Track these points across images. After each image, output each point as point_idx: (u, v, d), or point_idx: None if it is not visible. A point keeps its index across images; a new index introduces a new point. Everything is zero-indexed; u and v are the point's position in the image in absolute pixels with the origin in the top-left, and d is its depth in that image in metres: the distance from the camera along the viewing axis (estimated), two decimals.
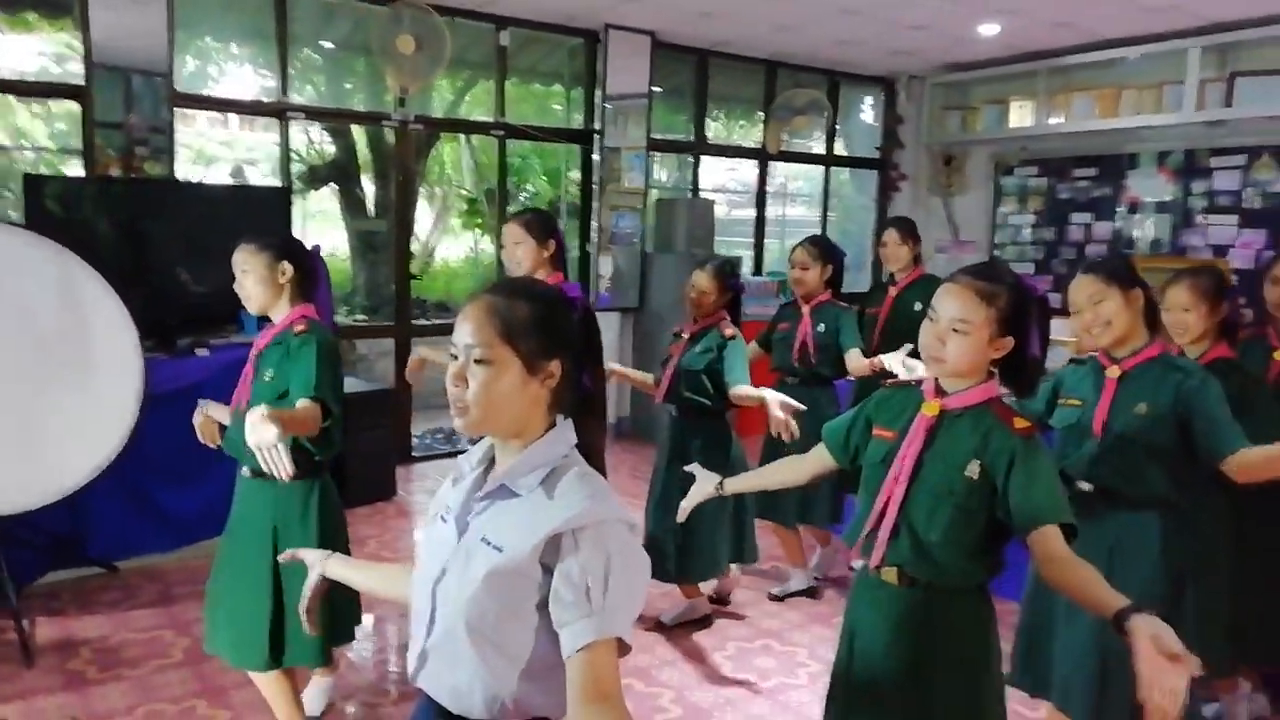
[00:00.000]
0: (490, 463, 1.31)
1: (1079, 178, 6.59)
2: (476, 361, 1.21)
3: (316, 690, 2.87)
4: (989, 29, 5.73)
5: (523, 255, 2.96)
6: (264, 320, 2.51)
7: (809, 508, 3.67)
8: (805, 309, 3.72)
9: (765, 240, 7.25)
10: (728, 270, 3.44)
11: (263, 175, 8.73)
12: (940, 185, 7.23)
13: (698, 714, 2.89)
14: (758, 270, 7.09)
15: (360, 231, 7.68)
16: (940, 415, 1.71)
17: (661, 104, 6.36)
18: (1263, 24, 5.22)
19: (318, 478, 2.45)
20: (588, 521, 1.16)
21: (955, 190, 7.20)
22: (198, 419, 2.63)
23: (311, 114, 5.65)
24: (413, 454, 5.78)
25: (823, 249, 3.74)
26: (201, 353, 4.11)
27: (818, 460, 1.96)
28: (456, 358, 1.23)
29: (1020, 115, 6.56)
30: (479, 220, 9.30)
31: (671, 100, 6.79)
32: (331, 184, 7.77)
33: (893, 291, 4.04)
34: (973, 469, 1.64)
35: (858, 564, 3.81)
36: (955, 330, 1.65)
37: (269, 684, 2.55)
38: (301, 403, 2.24)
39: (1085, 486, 2.24)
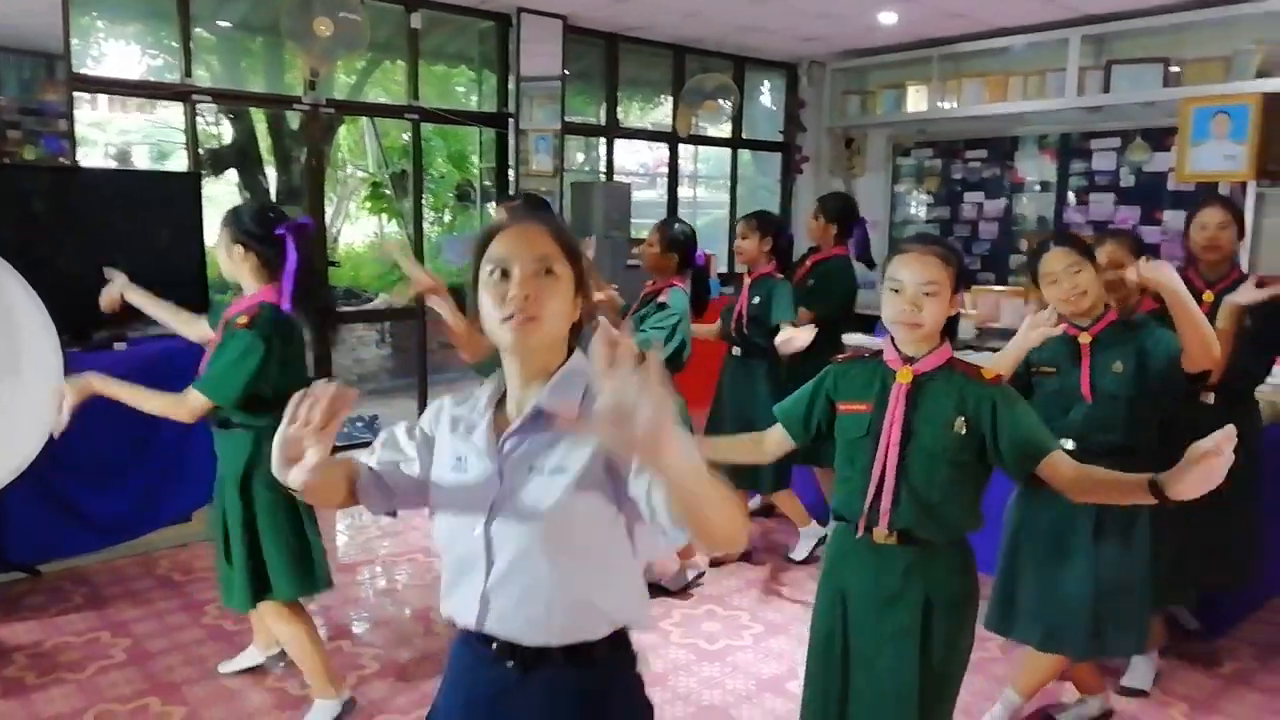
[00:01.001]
0: (499, 405, 1.32)
1: (971, 159, 6.96)
2: (547, 272, 1.23)
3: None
4: (887, 17, 5.98)
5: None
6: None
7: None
8: (746, 280, 3.89)
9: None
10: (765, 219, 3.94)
11: (148, 159, 8.38)
12: (842, 167, 7.51)
13: (653, 679, 3.02)
14: None
15: None
16: (914, 381, 1.83)
17: (572, 87, 6.39)
18: (1135, 16, 5.63)
19: (251, 434, 2.49)
20: None
21: (856, 172, 7.50)
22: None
23: (218, 96, 5.47)
24: (336, 443, 5.68)
25: (760, 221, 3.91)
26: (119, 346, 3.99)
27: (777, 440, 2.04)
28: (506, 274, 1.22)
29: (916, 99, 6.86)
30: (384, 204, 9.15)
31: (580, 83, 6.84)
32: (232, 169, 7.52)
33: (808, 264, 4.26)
34: (959, 424, 1.78)
35: (815, 532, 4.02)
36: (927, 294, 1.78)
37: (276, 623, 2.67)
38: (188, 395, 2.44)
39: (1069, 445, 2.35)
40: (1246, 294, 2.63)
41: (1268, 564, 3.24)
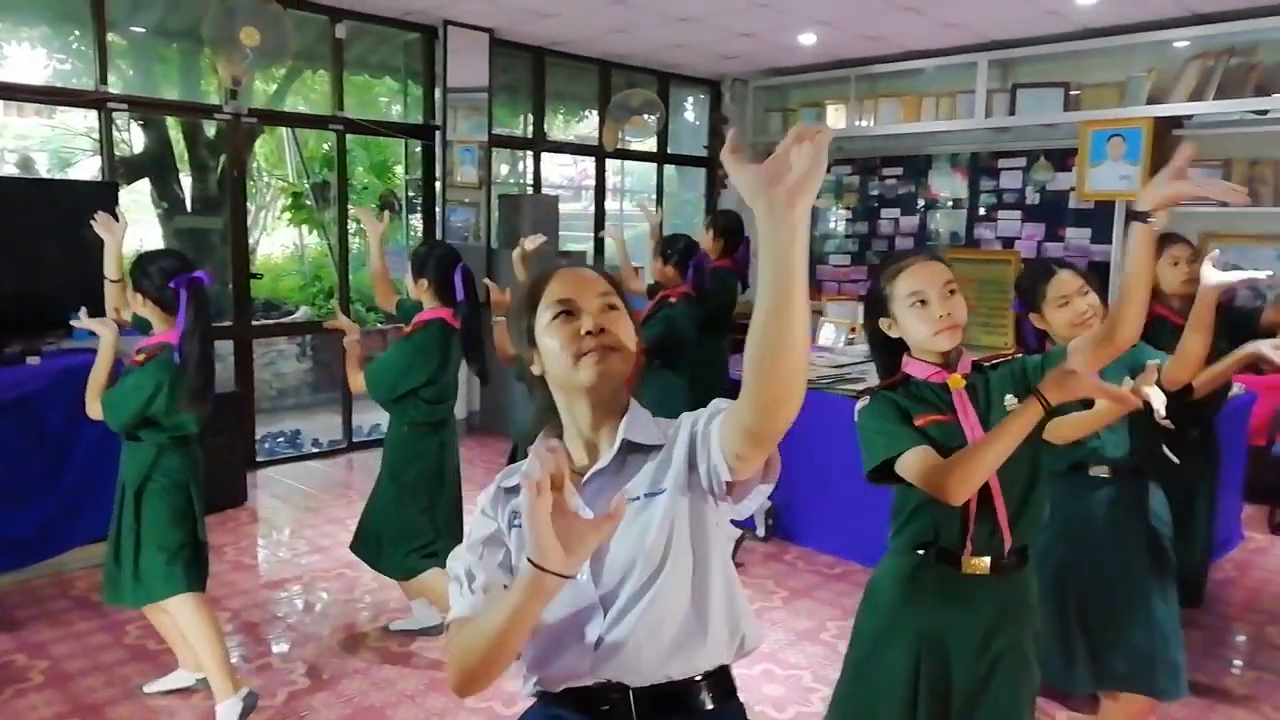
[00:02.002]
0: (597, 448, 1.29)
1: (887, 176, 7.23)
2: (610, 307, 1.24)
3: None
4: (807, 38, 6.18)
5: (407, 284, 3.30)
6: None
7: None
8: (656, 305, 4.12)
9: (602, 235, 7.46)
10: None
11: (49, 166, 8.07)
12: None
13: None
14: (601, 263, 7.29)
15: (181, 229, 7.27)
16: (966, 383, 1.81)
17: (498, 100, 6.42)
18: (1037, 43, 5.94)
19: (153, 447, 2.72)
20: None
21: None
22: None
23: (135, 104, 5.33)
24: (257, 459, 5.60)
25: (711, 221, 4.41)
26: (32, 360, 3.86)
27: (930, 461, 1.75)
28: (571, 314, 1.23)
29: (835, 117, 7.09)
30: (305, 214, 8.99)
31: (506, 95, 6.87)
32: (145, 178, 7.30)
33: None
34: (1009, 402, 1.77)
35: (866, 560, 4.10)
36: (952, 292, 1.78)
37: (158, 624, 2.89)
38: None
39: (1104, 474, 2.41)
40: (1216, 276, 2.74)
41: None
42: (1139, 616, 2.37)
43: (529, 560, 1.05)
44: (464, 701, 2.93)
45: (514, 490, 1.28)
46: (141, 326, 2.80)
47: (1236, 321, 2.97)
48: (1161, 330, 2.88)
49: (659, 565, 1.19)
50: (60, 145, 8.16)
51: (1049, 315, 2.35)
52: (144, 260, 2.68)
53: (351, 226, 7.12)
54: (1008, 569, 1.81)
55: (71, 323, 2.79)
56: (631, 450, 1.25)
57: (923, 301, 1.78)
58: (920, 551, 1.84)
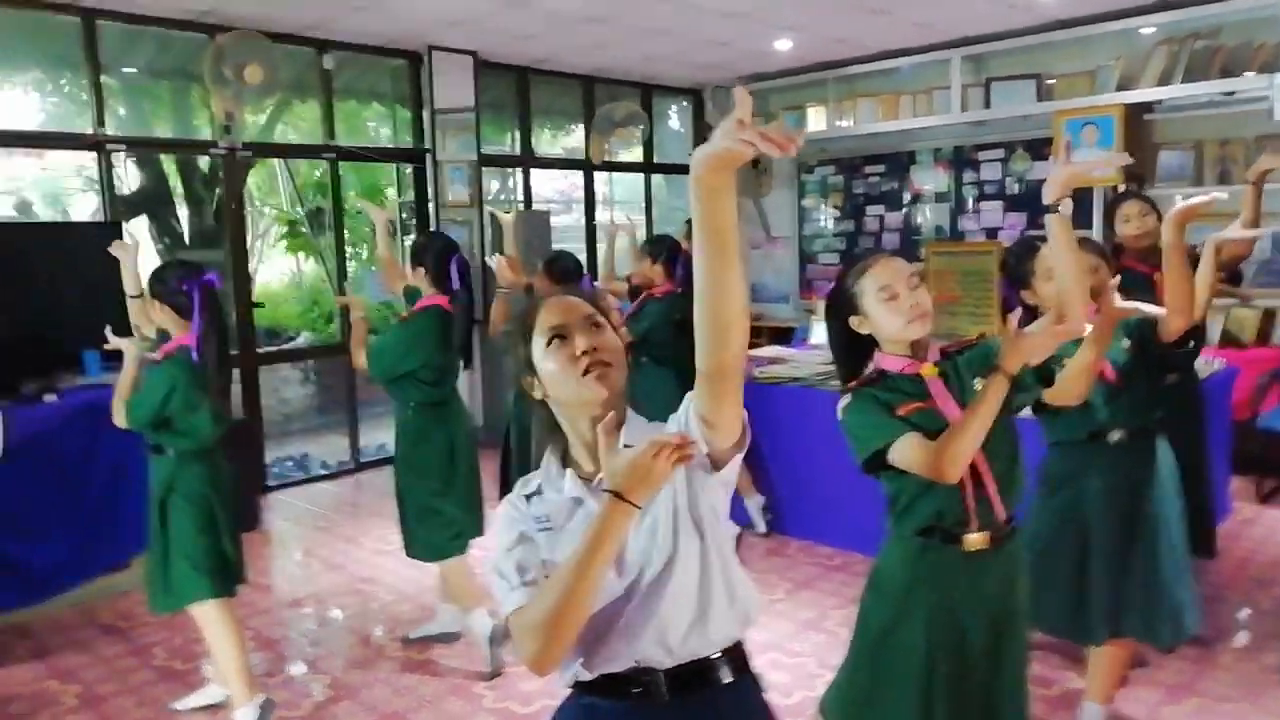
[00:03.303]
0: (564, 461, 1.40)
1: (870, 174, 7.36)
2: (595, 325, 1.35)
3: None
4: (783, 44, 6.32)
5: (408, 276, 3.30)
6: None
7: None
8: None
9: (597, 245, 7.59)
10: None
11: (44, 208, 8.19)
12: (750, 186, 7.83)
13: None
14: (594, 275, 7.42)
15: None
16: (941, 373, 1.92)
17: (485, 118, 6.55)
18: (1007, 36, 6.08)
19: (175, 459, 2.87)
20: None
21: (765, 191, 7.83)
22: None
23: (132, 144, 5.46)
24: (268, 484, 5.72)
25: (648, 246, 4.41)
26: (50, 398, 3.98)
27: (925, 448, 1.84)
28: (564, 338, 1.33)
29: (816, 119, 7.23)
30: (301, 242, 9.12)
31: (493, 114, 7.00)
32: (143, 215, 7.42)
33: None
34: (978, 385, 1.85)
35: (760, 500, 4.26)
36: (914, 287, 1.88)
37: (202, 623, 2.92)
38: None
39: (1116, 437, 2.54)
40: (1234, 231, 2.85)
41: None
42: (1153, 570, 2.52)
43: (608, 492, 1.20)
44: (482, 703, 3.05)
45: (535, 494, 1.40)
46: (164, 340, 2.93)
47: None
48: (1133, 282, 2.98)
49: (671, 553, 1.31)
50: (53, 186, 8.29)
51: (1040, 289, 2.48)
52: (159, 270, 2.86)
53: (349, 250, 7.27)
54: (1004, 540, 1.93)
55: (107, 345, 2.93)
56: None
57: (893, 295, 1.88)
58: (924, 535, 1.93)
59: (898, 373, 1.94)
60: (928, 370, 1.92)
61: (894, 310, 1.89)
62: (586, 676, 1.35)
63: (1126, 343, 2.56)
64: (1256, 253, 5.56)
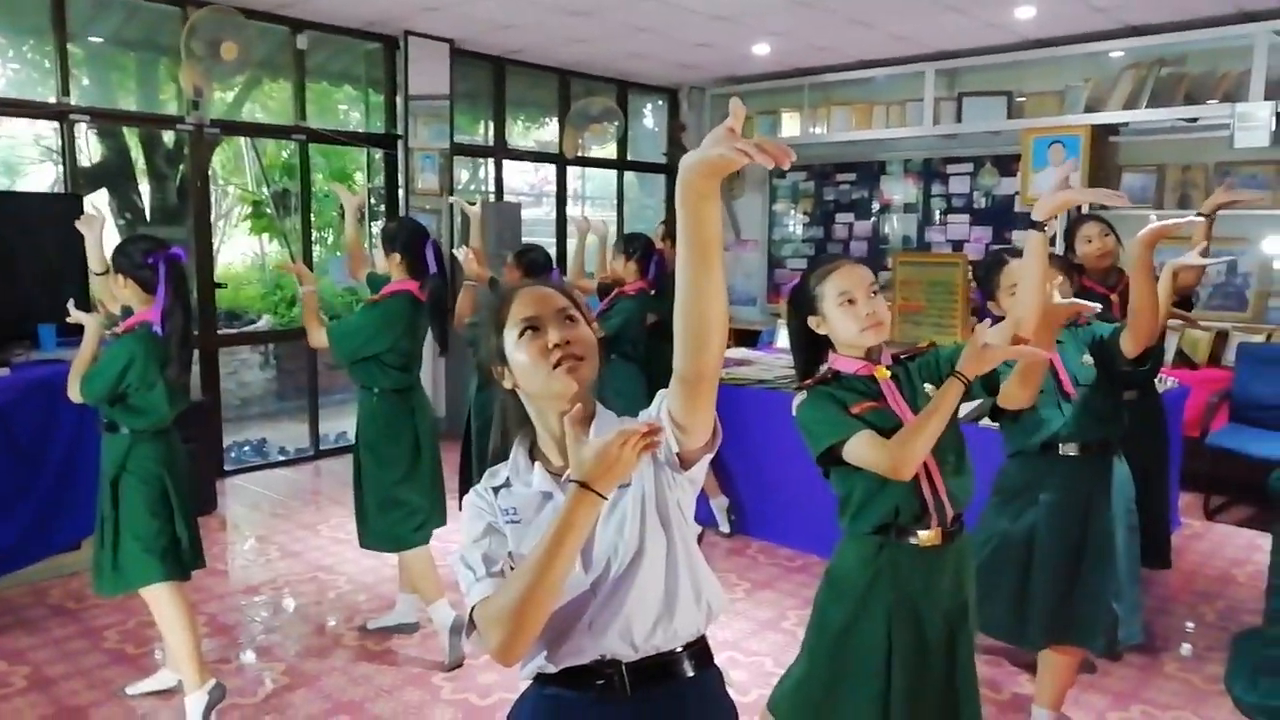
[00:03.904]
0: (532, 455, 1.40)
1: (841, 181, 7.44)
2: (569, 319, 1.35)
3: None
4: (761, 48, 6.36)
5: (377, 261, 3.24)
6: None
7: None
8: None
9: (567, 240, 7.57)
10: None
11: None
12: (723, 189, 7.85)
13: None
14: (561, 268, 7.41)
15: None
16: (893, 374, 1.99)
17: (458, 107, 6.51)
18: (981, 54, 6.19)
19: (130, 437, 2.81)
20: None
21: (736, 193, 7.87)
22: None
23: (97, 115, 5.33)
24: (225, 467, 5.63)
25: (625, 243, 4.38)
26: (2, 371, 3.88)
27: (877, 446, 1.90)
28: (537, 330, 1.33)
29: (790, 125, 7.29)
30: (265, 223, 8.98)
31: (468, 104, 6.96)
32: (104, 188, 7.26)
33: None
34: (930, 391, 1.94)
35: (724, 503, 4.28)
36: (875, 292, 1.95)
37: (154, 606, 2.86)
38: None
39: (1072, 451, 2.60)
40: (1192, 257, 2.90)
41: None
42: (1098, 583, 2.60)
43: (574, 481, 1.20)
44: (440, 694, 3.04)
45: (503, 486, 1.40)
46: (126, 315, 2.87)
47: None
48: (1091, 301, 3.15)
49: (638, 548, 1.31)
50: (5, 155, 8.07)
51: (1003, 302, 2.56)
52: (123, 243, 2.79)
53: (314, 234, 7.17)
54: (954, 535, 2.01)
55: (69, 318, 2.84)
56: None
57: (851, 301, 1.94)
58: (880, 533, 1.99)
59: (852, 374, 2.00)
60: (881, 372, 1.98)
61: (850, 316, 1.95)
62: (550, 669, 1.36)
63: (1089, 358, 2.63)
64: (1212, 276, 5.74)
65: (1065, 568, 2.62)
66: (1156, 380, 3.75)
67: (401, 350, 3.28)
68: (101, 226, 3.04)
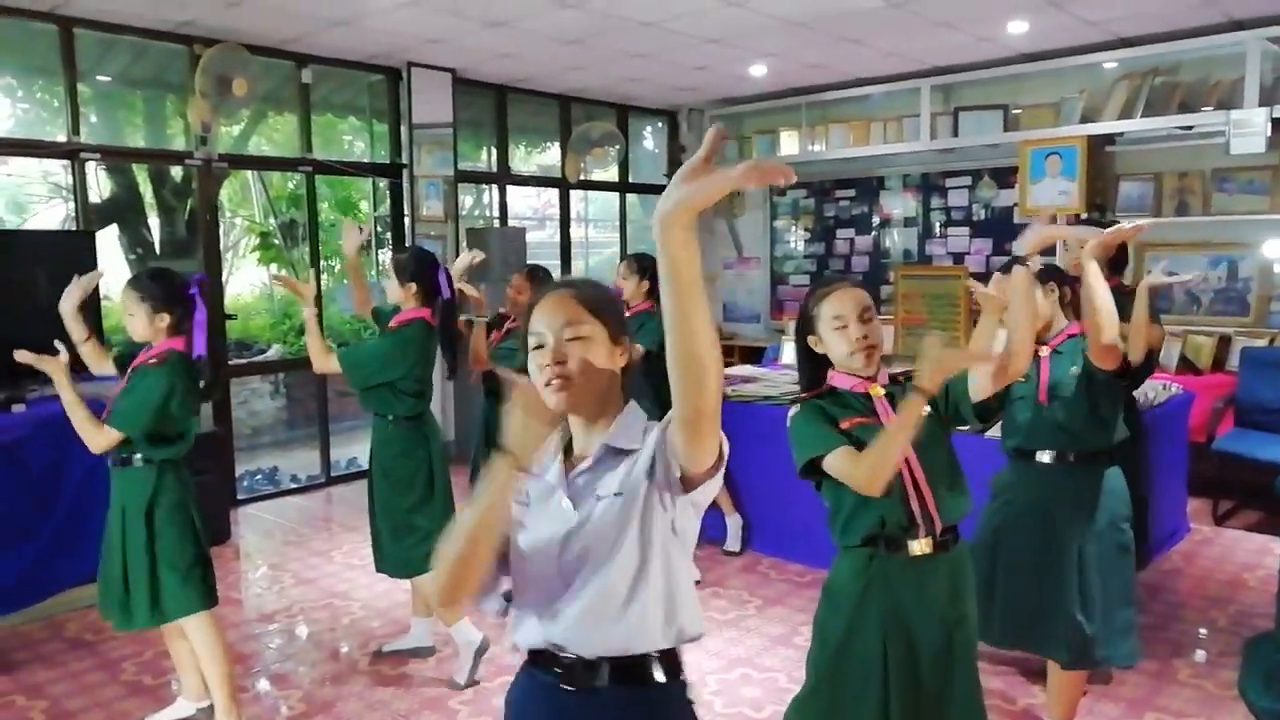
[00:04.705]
0: (567, 451, 1.46)
1: (840, 198, 7.50)
2: (570, 340, 1.37)
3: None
4: (758, 69, 6.44)
5: (389, 290, 3.28)
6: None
7: None
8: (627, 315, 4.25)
9: (572, 262, 7.65)
10: (643, 261, 4.25)
11: (8, 214, 8.09)
12: (724, 208, 7.94)
13: None
14: None
15: None
16: (887, 393, 2.04)
17: (461, 135, 6.59)
18: (976, 68, 6.25)
19: (155, 470, 2.80)
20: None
21: (737, 212, 7.94)
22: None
23: (108, 154, 5.43)
24: (238, 496, 5.67)
25: (638, 264, 4.29)
26: (17, 408, 3.94)
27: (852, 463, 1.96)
28: (542, 346, 1.38)
29: (788, 143, 7.36)
30: (273, 254, 9.07)
31: (470, 131, 7.04)
32: (114, 223, 7.36)
33: None
34: (923, 410, 1.93)
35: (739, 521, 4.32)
36: (868, 320, 2.02)
37: (174, 649, 2.98)
38: (109, 429, 2.73)
39: (1047, 459, 2.66)
40: (1156, 278, 2.96)
41: None
42: (1057, 594, 2.62)
43: (503, 448, 1.31)
44: (457, 718, 3.06)
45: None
46: (131, 350, 2.89)
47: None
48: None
49: (608, 556, 1.36)
50: (15, 193, 8.19)
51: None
52: (153, 282, 2.78)
53: (322, 263, 7.25)
54: (947, 545, 2.04)
55: (16, 356, 2.78)
56: (614, 454, 1.41)
57: (843, 325, 2.02)
58: (869, 545, 2.03)
59: (848, 390, 2.06)
60: (875, 390, 2.05)
61: (842, 339, 2.03)
62: (521, 646, 1.46)
63: (1075, 369, 2.67)
64: (1213, 281, 5.77)
65: (1026, 572, 2.67)
66: (1156, 387, 3.76)
67: (415, 377, 3.32)
68: (92, 282, 3.00)
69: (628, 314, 4.27)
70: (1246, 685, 3.05)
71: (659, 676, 1.41)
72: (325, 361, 3.26)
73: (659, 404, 1.29)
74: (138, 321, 2.77)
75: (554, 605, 1.39)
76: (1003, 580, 2.70)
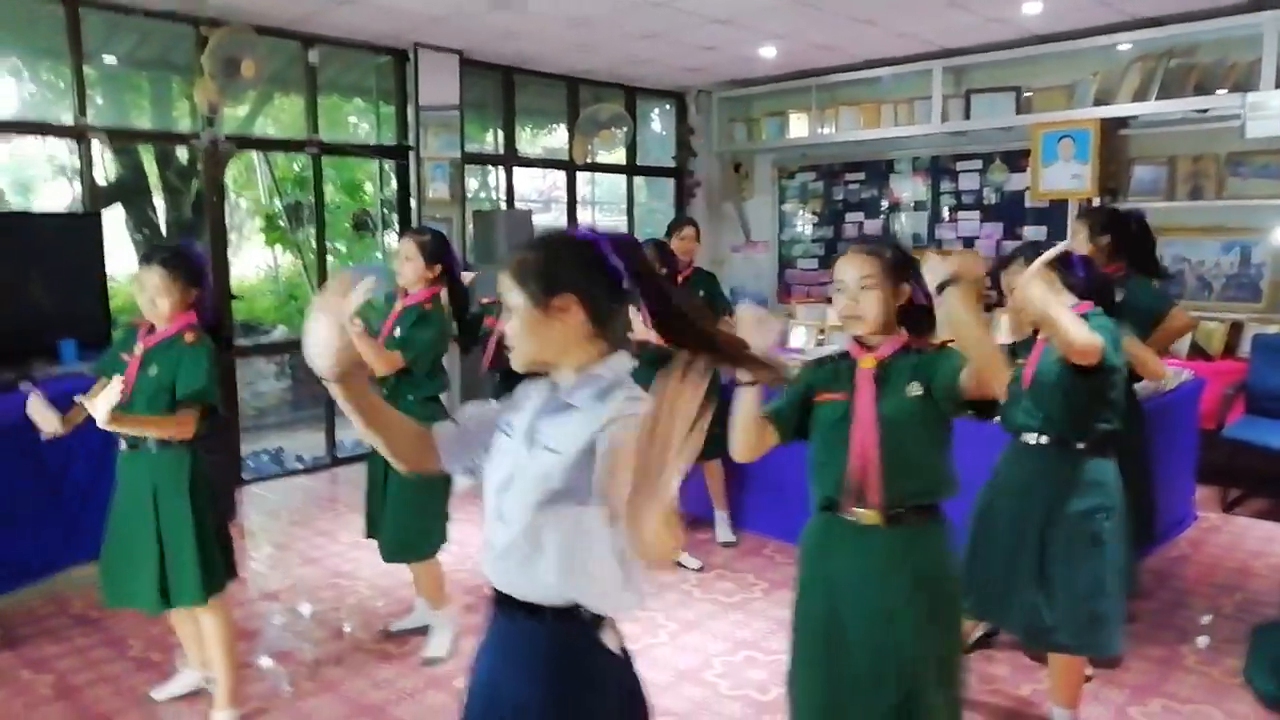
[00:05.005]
0: (554, 389, 1.51)
1: (850, 181, 7.44)
2: (510, 308, 1.48)
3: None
4: (767, 51, 6.38)
5: (409, 272, 3.26)
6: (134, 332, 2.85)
7: None
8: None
9: None
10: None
11: (13, 195, 8.10)
12: (732, 191, 7.90)
13: None
14: None
15: None
16: (877, 366, 2.02)
17: (467, 116, 6.55)
18: (988, 50, 6.18)
19: (188, 449, 2.78)
20: (616, 415, 1.36)
21: (746, 195, 7.89)
22: (34, 407, 2.83)
23: (115, 135, 5.41)
24: (243, 476, 5.68)
25: (664, 254, 4.31)
26: (25, 386, 3.93)
27: (761, 438, 2.10)
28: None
29: (798, 126, 7.30)
30: (278, 235, 9.06)
31: (476, 113, 7.01)
32: (119, 204, 7.36)
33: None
34: (914, 388, 1.96)
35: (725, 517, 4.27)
36: (864, 287, 2.00)
37: (180, 624, 2.99)
38: (184, 413, 2.68)
39: (1031, 440, 2.68)
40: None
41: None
42: (1020, 571, 2.64)
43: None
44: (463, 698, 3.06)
45: (513, 408, 1.57)
46: (132, 332, 2.83)
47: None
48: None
49: (534, 509, 1.41)
50: (20, 174, 8.19)
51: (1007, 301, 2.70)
52: (183, 257, 2.74)
53: (328, 245, 7.23)
54: (900, 520, 1.99)
55: (76, 399, 2.67)
56: (565, 406, 1.46)
57: (839, 289, 2.06)
58: (825, 509, 2.09)
59: (846, 354, 2.10)
60: (865, 362, 2.04)
61: (837, 303, 2.09)
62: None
63: (1058, 357, 2.63)
64: (1226, 267, 5.72)
65: (997, 547, 2.70)
66: (1166, 377, 3.73)
67: (441, 355, 3.35)
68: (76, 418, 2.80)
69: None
70: (1253, 672, 3.06)
71: (548, 619, 1.45)
72: (388, 360, 3.17)
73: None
74: (170, 302, 2.70)
75: (493, 544, 1.48)
76: (980, 552, 2.74)
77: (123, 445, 2.80)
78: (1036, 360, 2.69)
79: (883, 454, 1.97)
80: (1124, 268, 3.49)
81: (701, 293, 4.70)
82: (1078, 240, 3.56)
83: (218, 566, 2.82)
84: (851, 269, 2.03)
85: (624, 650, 1.51)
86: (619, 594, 1.45)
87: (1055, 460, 2.66)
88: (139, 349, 2.75)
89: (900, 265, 2.04)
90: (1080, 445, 2.64)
